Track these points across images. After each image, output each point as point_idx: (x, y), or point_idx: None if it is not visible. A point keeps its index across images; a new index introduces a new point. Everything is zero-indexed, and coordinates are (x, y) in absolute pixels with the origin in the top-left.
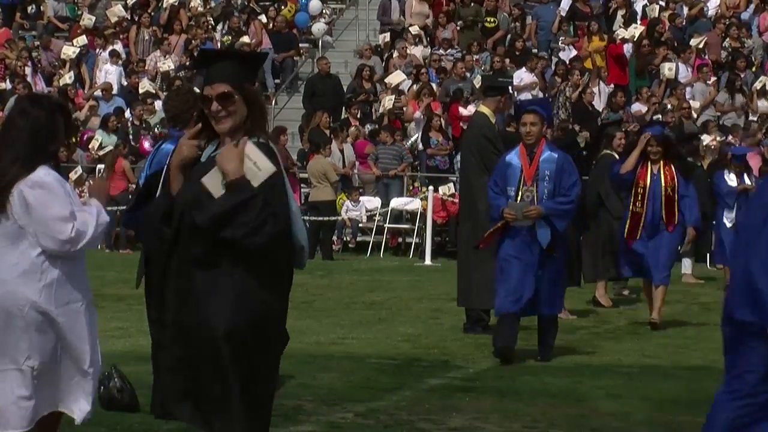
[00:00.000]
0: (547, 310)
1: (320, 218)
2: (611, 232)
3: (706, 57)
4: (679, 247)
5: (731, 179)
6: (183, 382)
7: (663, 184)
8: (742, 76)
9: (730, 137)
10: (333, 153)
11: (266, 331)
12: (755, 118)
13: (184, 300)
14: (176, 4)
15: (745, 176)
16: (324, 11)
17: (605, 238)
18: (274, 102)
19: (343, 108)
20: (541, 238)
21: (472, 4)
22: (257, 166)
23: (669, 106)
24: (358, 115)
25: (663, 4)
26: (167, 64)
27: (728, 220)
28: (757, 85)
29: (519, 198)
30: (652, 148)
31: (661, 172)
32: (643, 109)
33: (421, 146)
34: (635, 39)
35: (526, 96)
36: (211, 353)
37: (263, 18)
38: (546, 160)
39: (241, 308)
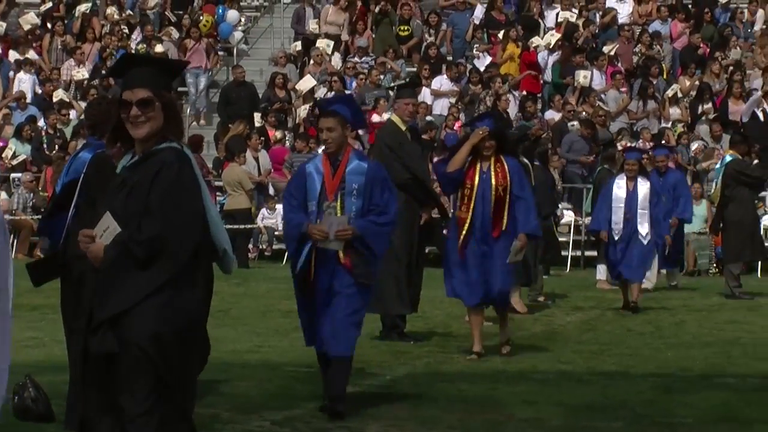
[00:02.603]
0: (338, 350)
1: (236, 226)
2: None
3: (619, 64)
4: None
5: (620, 186)
6: (106, 395)
7: (493, 184)
8: (655, 83)
9: (640, 142)
10: (248, 161)
11: (191, 340)
12: (668, 125)
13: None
14: (88, 12)
15: (640, 179)
16: (240, 19)
17: None
18: (189, 110)
19: (259, 116)
20: (355, 265)
21: (387, 12)
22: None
23: (584, 114)
24: (275, 123)
25: (576, 11)
26: (81, 73)
27: (615, 230)
28: (669, 92)
29: (320, 214)
30: (485, 143)
31: (492, 170)
32: (557, 116)
33: None
34: (551, 46)
35: (443, 103)
36: (135, 363)
37: (173, 33)
38: (353, 172)
39: (166, 316)
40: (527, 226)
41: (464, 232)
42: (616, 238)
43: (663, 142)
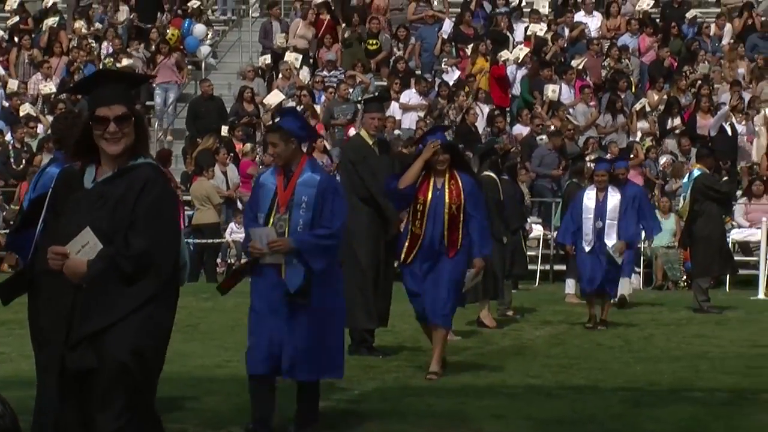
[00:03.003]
0: (302, 376)
1: (204, 241)
2: (492, 252)
3: (588, 78)
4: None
5: (590, 197)
6: (80, 411)
7: (447, 201)
8: (623, 97)
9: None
10: (216, 175)
11: (164, 352)
12: (636, 139)
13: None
14: (56, 26)
15: (610, 190)
16: (207, 33)
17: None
18: (157, 124)
19: (227, 130)
20: (290, 281)
21: (356, 26)
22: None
23: (552, 128)
24: (243, 137)
25: (545, 26)
26: (48, 87)
27: (586, 242)
28: (637, 106)
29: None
30: (438, 157)
31: (446, 186)
32: (525, 131)
33: None
34: (519, 60)
35: (412, 117)
36: (114, 378)
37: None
38: (304, 184)
39: (147, 330)
40: (483, 250)
41: (416, 248)
42: (587, 249)
43: (631, 156)
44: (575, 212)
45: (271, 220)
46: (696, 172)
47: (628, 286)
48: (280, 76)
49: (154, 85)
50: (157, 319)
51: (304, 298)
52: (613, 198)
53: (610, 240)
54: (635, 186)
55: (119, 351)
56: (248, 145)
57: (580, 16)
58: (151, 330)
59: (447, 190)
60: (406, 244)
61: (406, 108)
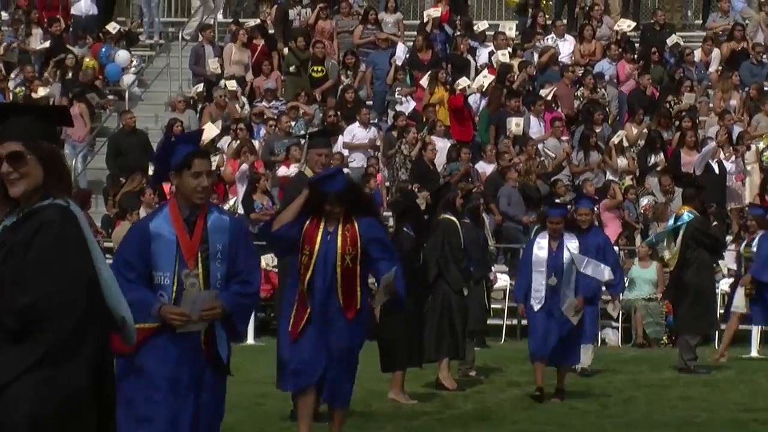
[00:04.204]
0: None
1: None
2: (450, 306)
3: (559, 109)
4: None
5: (541, 246)
6: None
7: (339, 250)
8: (598, 130)
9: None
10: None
11: (75, 419)
12: (614, 177)
13: None
14: None
15: (567, 237)
16: (132, 60)
17: (445, 312)
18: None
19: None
20: (221, 350)
21: (300, 50)
22: None
23: (521, 165)
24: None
25: (511, 50)
26: None
27: (536, 300)
28: (615, 140)
29: (175, 290)
30: (334, 208)
31: (339, 231)
32: (489, 168)
33: (241, 209)
34: (484, 89)
35: (360, 157)
36: None
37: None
38: (216, 228)
39: (44, 395)
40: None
41: (308, 311)
42: (537, 308)
43: (608, 196)
44: (524, 264)
45: (176, 280)
46: (686, 216)
47: (589, 355)
48: (213, 105)
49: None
50: (59, 382)
51: (228, 371)
52: (571, 247)
53: (568, 297)
54: (600, 233)
55: (11, 417)
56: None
57: (550, 40)
58: (49, 395)
59: (340, 236)
60: (294, 310)
61: (350, 147)
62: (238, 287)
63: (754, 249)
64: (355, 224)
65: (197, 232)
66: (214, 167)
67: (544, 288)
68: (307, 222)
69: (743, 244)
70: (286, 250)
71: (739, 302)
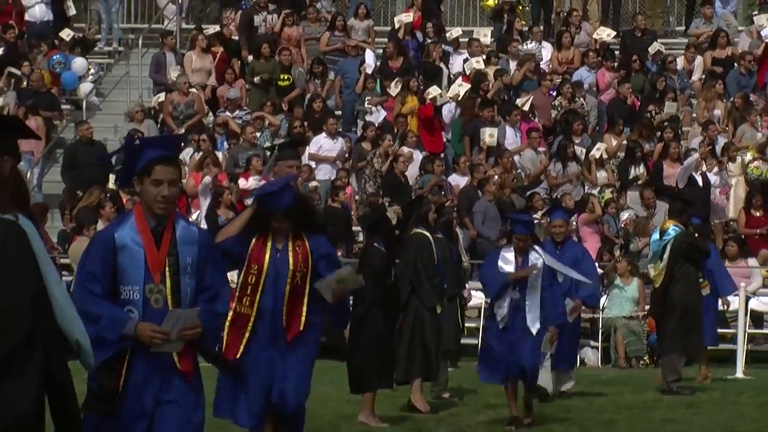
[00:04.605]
0: None
1: None
2: (423, 324)
3: (536, 119)
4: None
5: (507, 261)
6: None
7: (290, 267)
8: (577, 141)
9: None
10: None
11: None
12: (594, 191)
13: None
14: None
15: (533, 253)
16: (89, 68)
17: (417, 331)
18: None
19: (113, 179)
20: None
21: (269, 58)
22: None
23: (496, 177)
24: (131, 189)
25: (485, 57)
26: None
27: (498, 315)
28: (595, 153)
29: (145, 305)
30: (280, 224)
31: (289, 248)
32: (462, 180)
33: (204, 224)
34: (459, 98)
35: (327, 169)
36: None
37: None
38: (186, 240)
39: None
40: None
41: (247, 333)
42: (501, 326)
43: (587, 210)
44: (486, 278)
45: (145, 295)
46: (672, 230)
47: (548, 376)
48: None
49: None
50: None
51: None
52: (537, 262)
53: (531, 315)
54: (576, 245)
55: None
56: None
57: (533, 45)
58: None
59: (291, 253)
60: (227, 331)
61: (317, 159)
62: (208, 305)
63: None
64: (306, 241)
65: (164, 243)
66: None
67: (507, 304)
68: (254, 240)
69: None
70: (232, 265)
71: None
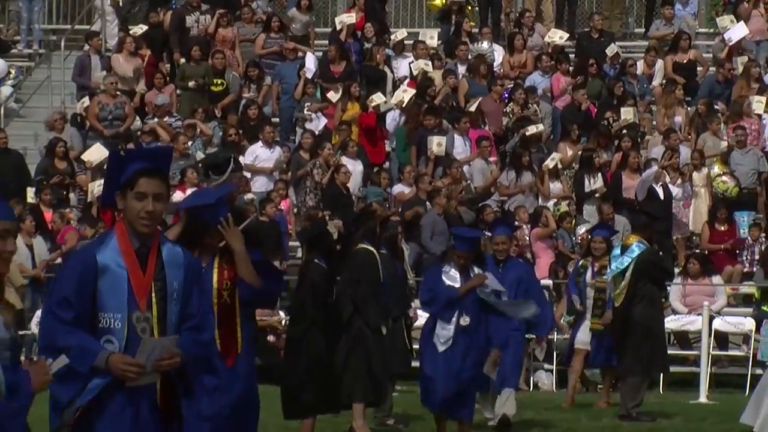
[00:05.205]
0: None
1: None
2: (367, 345)
3: (486, 127)
4: None
5: (453, 278)
6: None
7: (215, 285)
8: (533, 151)
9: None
10: (20, 250)
11: None
12: (547, 204)
13: None
14: None
15: (475, 269)
16: (10, 71)
17: (361, 353)
18: None
19: (33, 192)
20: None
21: (200, 61)
22: None
23: (443, 189)
24: (52, 202)
25: (429, 61)
26: None
27: (440, 339)
28: (549, 163)
29: (126, 336)
30: (211, 240)
31: (215, 264)
32: (406, 190)
33: None
34: (404, 104)
35: (263, 180)
36: None
37: None
38: (172, 263)
39: None
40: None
41: None
42: (441, 349)
43: (540, 224)
44: (431, 293)
45: (129, 323)
46: (636, 247)
47: (512, 402)
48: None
49: None
50: None
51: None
52: (488, 281)
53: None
54: (519, 265)
55: None
56: (57, 216)
57: (485, 45)
58: None
59: (216, 269)
60: None
61: (253, 171)
62: (193, 333)
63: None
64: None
65: (150, 266)
66: (97, 192)
67: (453, 326)
68: None
69: (588, 274)
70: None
71: (585, 337)
